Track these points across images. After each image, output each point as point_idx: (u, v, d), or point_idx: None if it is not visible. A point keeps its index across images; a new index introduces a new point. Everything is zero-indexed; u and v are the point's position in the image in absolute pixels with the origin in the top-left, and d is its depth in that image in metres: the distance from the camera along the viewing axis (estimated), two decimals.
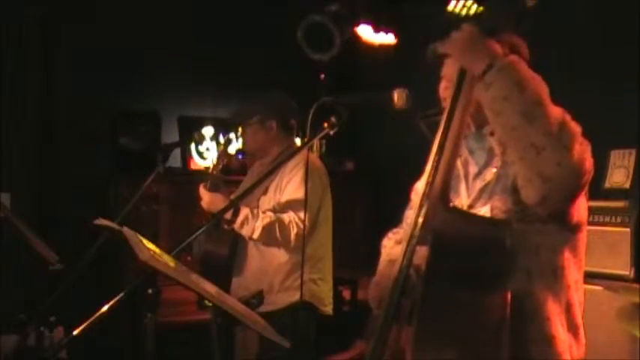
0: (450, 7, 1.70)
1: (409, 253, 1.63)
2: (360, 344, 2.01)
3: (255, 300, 2.43)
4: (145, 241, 1.84)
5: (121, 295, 1.67)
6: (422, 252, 1.62)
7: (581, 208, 1.73)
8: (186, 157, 4.56)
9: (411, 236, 1.65)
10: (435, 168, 1.67)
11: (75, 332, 1.64)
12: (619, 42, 3.32)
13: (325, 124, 2.25)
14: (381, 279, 1.94)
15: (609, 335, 2.69)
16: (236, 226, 3.01)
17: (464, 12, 1.67)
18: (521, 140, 1.57)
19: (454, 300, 1.57)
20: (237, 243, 3.21)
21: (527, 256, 1.69)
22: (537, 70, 1.89)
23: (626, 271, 2.87)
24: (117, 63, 4.36)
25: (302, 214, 2.90)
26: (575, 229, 1.75)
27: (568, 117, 1.60)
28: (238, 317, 1.92)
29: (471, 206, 1.81)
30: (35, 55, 4.15)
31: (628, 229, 2.91)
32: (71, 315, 2.02)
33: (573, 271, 1.76)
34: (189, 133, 4.23)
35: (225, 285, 3.14)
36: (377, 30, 3.12)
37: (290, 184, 3.06)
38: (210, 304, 1.99)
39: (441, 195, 1.66)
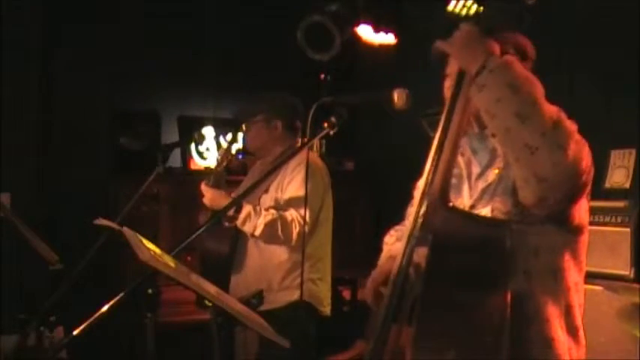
0: (450, 7, 1.70)
1: (408, 253, 1.63)
2: (360, 344, 2.01)
3: (255, 300, 2.43)
4: (145, 241, 1.84)
5: (121, 295, 1.67)
6: (422, 250, 1.62)
7: (582, 210, 1.73)
8: (186, 157, 4.55)
9: (410, 236, 1.65)
10: (434, 167, 1.67)
11: (75, 332, 1.64)
12: (619, 42, 3.32)
13: (325, 124, 2.25)
14: (379, 274, 1.94)
15: (609, 335, 2.69)
16: (238, 222, 3.01)
17: (464, 12, 1.67)
18: (515, 141, 1.56)
19: (454, 301, 1.57)
20: (237, 240, 3.21)
21: (526, 257, 1.69)
22: (538, 70, 1.90)
23: (626, 271, 2.87)
24: (117, 63, 4.36)
25: (306, 212, 2.91)
26: (576, 231, 1.75)
27: (563, 115, 1.59)
28: (238, 317, 1.92)
29: (472, 206, 1.81)
30: (35, 55, 4.15)
31: (628, 229, 2.91)
32: (71, 315, 2.02)
33: (573, 273, 1.76)
34: (189, 133, 4.24)
35: (224, 283, 3.15)
36: (377, 30, 3.13)
37: (292, 183, 3.06)
38: (210, 304, 1.99)
39: (440, 195, 1.66)
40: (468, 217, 1.74)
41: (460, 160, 1.89)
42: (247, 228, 3.01)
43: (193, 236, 1.94)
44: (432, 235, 1.60)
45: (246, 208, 3.00)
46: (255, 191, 2.86)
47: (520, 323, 1.66)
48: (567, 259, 1.74)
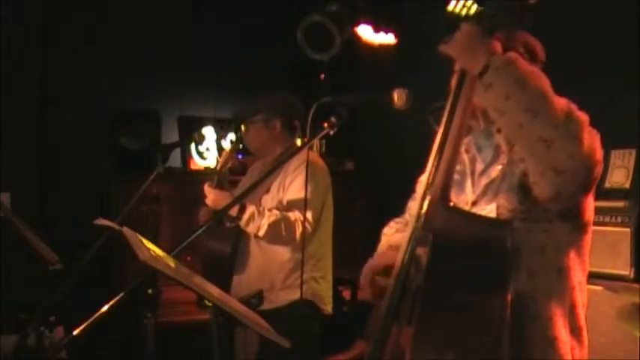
0: (450, 7, 1.69)
1: (409, 253, 1.63)
2: (360, 344, 2.01)
3: (255, 300, 2.43)
4: (145, 241, 1.84)
5: (121, 295, 1.67)
6: (422, 250, 1.62)
7: (590, 207, 1.73)
8: (186, 157, 4.55)
9: (411, 236, 1.65)
10: (436, 166, 1.67)
11: (75, 332, 1.64)
12: (619, 42, 3.32)
13: (325, 124, 2.25)
14: (377, 263, 1.94)
15: (609, 335, 2.69)
16: (242, 223, 3.01)
17: (464, 12, 1.66)
18: (529, 136, 1.56)
19: (453, 301, 1.57)
20: (239, 240, 3.21)
21: (532, 255, 1.69)
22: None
23: (626, 271, 2.87)
24: (117, 63, 4.36)
25: (305, 213, 2.91)
26: (582, 228, 1.75)
27: (573, 106, 1.59)
28: (239, 317, 1.92)
29: (475, 202, 1.81)
30: (35, 55, 4.15)
31: (628, 229, 2.91)
32: (71, 315, 2.02)
33: (578, 272, 1.76)
34: (189, 133, 4.23)
35: (226, 283, 3.15)
36: (377, 30, 3.13)
37: (294, 184, 3.06)
38: (210, 304, 1.99)
39: (441, 195, 1.66)
40: (469, 217, 1.73)
41: (465, 157, 1.89)
42: (251, 228, 3.01)
43: (193, 236, 1.94)
44: (432, 235, 1.60)
45: (250, 209, 3.00)
46: (255, 191, 2.86)
47: (523, 322, 1.66)
48: (572, 258, 1.74)
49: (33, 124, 4.14)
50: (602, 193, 3.11)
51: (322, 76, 4.22)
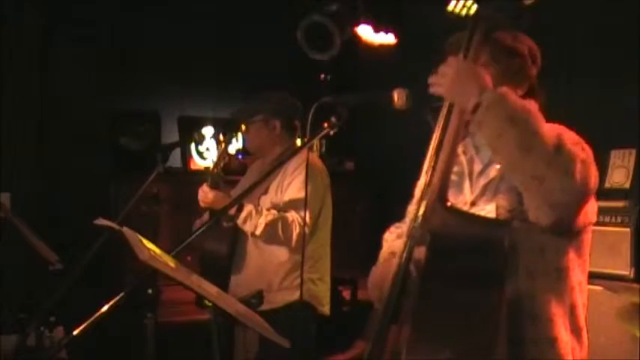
0: (450, 7, 1.70)
1: (407, 253, 1.63)
2: (360, 344, 2.00)
3: (254, 300, 2.44)
4: (145, 241, 1.84)
5: (121, 295, 1.67)
6: (421, 250, 1.62)
7: (588, 211, 1.71)
8: (186, 157, 4.55)
9: (409, 236, 1.65)
10: (433, 168, 1.67)
11: (75, 332, 1.64)
12: (619, 42, 3.32)
13: (325, 124, 2.25)
14: (381, 268, 1.94)
15: (609, 335, 2.69)
16: (239, 221, 3.01)
17: (464, 12, 1.66)
18: (523, 173, 1.58)
19: (450, 300, 1.57)
20: (237, 241, 3.21)
21: (530, 256, 1.69)
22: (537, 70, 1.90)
23: (626, 271, 2.87)
24: (117, 63, 4.36)
25: (305, 214, 2.91)
26: (580, 230, 1.75)
27: (564, 137, 1.58)
28: (238, 317, 1.92)
29: (473, 203, 1.81)
30: (35, 55, 4.15)
31: (628, 229, 2.91)
32: (71, 315, 2.02)
33: (577, 272, 1.76)
34: (189, 133, 4.23)
35: (223, 283, 3.15)
36: (377, 30, 3.12)
37: (292, 185, 3.06)
38: (210, 304, 1.99)
39: (438, 195, 1.66)
40: (467, 217, 1.74)
41: (462, 158, 1.89)
42: (248, 227, 3.01)
43: (193, 236, 1.94)
44: (430, 235, 1.60)
45: (248, 207, 3.00)
46: (254, 191, 2.86)
47: (523, 323, 1.66)
48: (572, 258, 1.74)
49: (33, 124, 4.14)
50: (602, 193, 3.11)
51: (322, 76, 4.22)
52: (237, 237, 3.19)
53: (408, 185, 2.04)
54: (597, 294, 2.57)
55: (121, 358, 4.00)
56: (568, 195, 1.55)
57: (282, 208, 3.05)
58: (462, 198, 1.84)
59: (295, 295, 2.97)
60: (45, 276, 2.77)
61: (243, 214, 3.00)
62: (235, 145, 3.35)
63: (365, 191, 5.00)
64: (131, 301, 1.77)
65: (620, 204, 2.97)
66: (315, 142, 3.74)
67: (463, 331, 1.55)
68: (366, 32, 3.12)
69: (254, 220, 2.99)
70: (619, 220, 2.94)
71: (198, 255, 3.25)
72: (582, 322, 1.78)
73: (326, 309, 3.22)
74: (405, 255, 1.64)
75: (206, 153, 4.58)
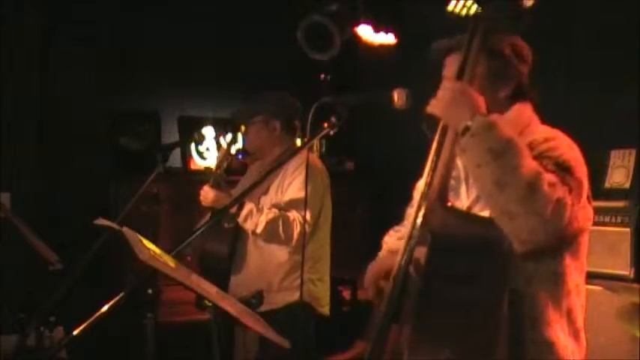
0: (450, 7, 1.70)
1: (408, 253, 1.63)
2: (360, 344, 2.00)
3: (254, 300, 2.43)
4: (145, 241, 1.84)
5: (121, 295, 1.67)
6: (421, 250, 1.62)
7: (579, 217, 1.69)
8: (186, 157, 4.55)
9: (410, 236, 1.65)
10: (433, 169, 1.67)
11: (75, 332, 1.64)
12: (619, 42, 3.32)
13: (325, 124, 2.25)
14: (379, 268, 1.94)
15: (609, 335, 2.69)
16: (240, 219, 3.02)
17: (464, 12, 1.67)
18: (495, 206, 1.58)
19: (450, 300, 1.57)
20: (237, 241, 3.21)
21: (526, 262, 1.68)
22: (537, 70, 1.90)
23: (626, 271, 2.87)
24: (117, 63, 4.36)
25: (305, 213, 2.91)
26: (576, 235, 1.74)
27: (544, 176, 1.56)
28: (238, 317, 1.92)
29: (469, 208, 1.82)
30: (35, 55, 4.15)
31: (628, 229, 2.91)
32: (71, 315, 2.02)
33: (575, 275, 1.76)
34: (189, 133, 4.23)
35: (223, 283, 3.15)
36: (377, 30, 3.12)
37: (292, 185, 3.07)
38: (210, 304, 1.99)
39: (439, 195, 1.66)
40: (467, 217, 1.74)
41: (459, 162, 1.89)
42: (249, 225, 3.01)
43: (193, 236, 1.94)
44: (431, 235, 1.60)
45: (249, 206, 3.01)
46: (254, 191, 2.86)
47: (521, 326, 1.66)
48: (568, 263, 1.74)
49: (33, 124, 4.14)
50: (602, 193, 3.11)
51: (322, 76, 4.22)
52: (237, 237, 3.19)
53: (408, 185, 2.04)
54: (597, 294, 2.57)
55: (121, 358, 4.00)
56: (536, 235, 1.55)
57: (283, 208, 3.05)
58: (459, 203, 1.85)
59: (295, 296, 2.97)
60: (45, 276, 2.77)
61: (244, 212, 3.00)
62: (235, 145, 3.34)
63: (365, 191, 5.00)
64: (131, 301, 1.77)
65: (620, 204, 2.97)
66: (315, 142, 3.74)
67: (464, 330, 1.55)
68: (366, 32, 3.12)
69: (255, 218, 2.99)
70: (619, 220, 2.94)
71: (198, 255, 3.25)
72: (580, 324, 1.78)
73: (326, 309, 3.22)
74: (405, 255, 1.64)
75: (206, 153, 4.58)
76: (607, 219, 2.96)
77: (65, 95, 4.30)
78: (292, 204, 3.04)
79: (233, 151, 3.29)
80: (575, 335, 1.76)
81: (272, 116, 3.21)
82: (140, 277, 2.08)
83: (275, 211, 3.01)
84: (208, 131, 4.54)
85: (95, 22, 4.32)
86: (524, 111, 1.84)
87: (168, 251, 1.89)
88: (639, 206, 2.93)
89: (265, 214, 2.99)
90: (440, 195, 1.66)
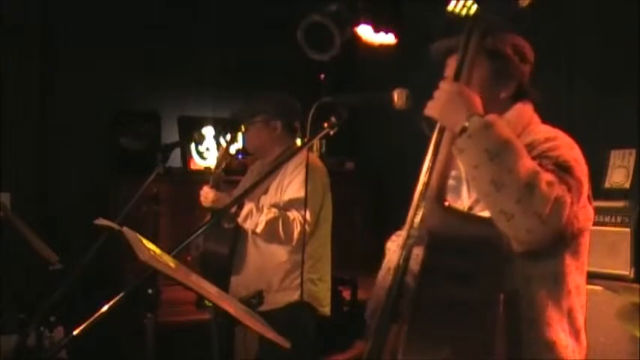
0: (450, 7, 1.70)
1: (405, 253, 1.63)
2: (360, 344, 2.00)
3: (255, 300, 2.43)
4: (145, 241, 1.84)
5: (121, 295, 1.67)
6: (419, 250, 1.62)
7: (580, 217, 1.69)
8: (186, 157, 4.55)
9: (408, 236, 1.65)
10: (431, 169, 1.67)
11: (75, 332, 1.64)
12: (619, 42, 3.32)
13: (325, 124, 2.25)
14: (378, 290, 1.93)
15: (609, 335, 2.69)
16: (240, 219, 3.02)
17: (464, 12, 1.66)
18: (493, 206, 1.58)
19: (448, 300, 1.57)
20: (237, 241, 3.21)
21: (526, 262, 1.68)
22: (537, 70, 1.90)
23: (626, 271, 2.87)
24: (117, 63, 4.36)
25: (304, 214, 2.91)
26: (576, 235, 1.73)
27: (542, 175, 1.56)
28: (238, 317, 1.92)
29: (470, 208, 1.81)
30: (35, 55, 4.15)
31: (628, 229, 2.91)
32: (71, 315, 2.02)
33: (575, 276, 1.75)
34: (189, 133, 4.23)
35: (224, 284, 3.14)
36: (377, 30, 3.12)
37: (292, 184, 3.07)
38: (210, 304, 1.99)
39: (436, 195, 1.66)
40: (464, 216, 1.74)
41: (459, 162, 1.89)
42: (249, 225, 3.01)
43: (193, 236, 1.94)
44: (428, 234, 1.60)
45: (248, 205, 3.01)
46: (254, 191, 2.86)
47: (521, 326, 1.66)
48: (568, 264, 1.73)
49: (33, 124, 4.15)
50: (602, 193, 3.11)
51: (322, 76, 4.22)
52: (237, 238, 3.19)
53: (408, 185, 2.03)
54: (597, 294, 2.57)
55: (121, 358, 4.00)
56: (534, 235, 1.55)
57: (283, 207, 3.05)
58: (459, 203, 1.85)
59: (295, 296, 2.97)
60: (45, 276, 2.77)
61: (244, 212, 3.00)
62: (235, 145, 3.35)
63: (365, 191, 5.00)
64: (131, 301, 1.77)
65: (620, 204, 2.97)
66: (315, 142, 3.74)
67: (461, 330, 1.55)
68: (366, 32, 3.11)
69: (255, 217, 2.99)
70: (619, 220, 2.94)
71: (198, 255, 3.25)
72: (580, 324, 1.77)
73: (326, 309, 3.21)
74: (403, 254, 1.64)
75: (206, 153, 4.59)
76: (607, 219, 2.96)
77: (65, 95, 4.30)
78: (292, 203, 3.04)
79: (233, 151, 3.30)
80: (576, 335, 1.76)
81: (272, 116, 3.21)
82: (140, 277, 2.07)
83: (275, 210, 3.01)
84: (208, 131, 4.54)
85: (95, 22, 4.32)
86: (525, 111, 1.84)
87: (168, 251, 1.89)
88: (639, 206, 2.93)
89: (265, 213, 2.99)
90: (437, 194, 1.66)
